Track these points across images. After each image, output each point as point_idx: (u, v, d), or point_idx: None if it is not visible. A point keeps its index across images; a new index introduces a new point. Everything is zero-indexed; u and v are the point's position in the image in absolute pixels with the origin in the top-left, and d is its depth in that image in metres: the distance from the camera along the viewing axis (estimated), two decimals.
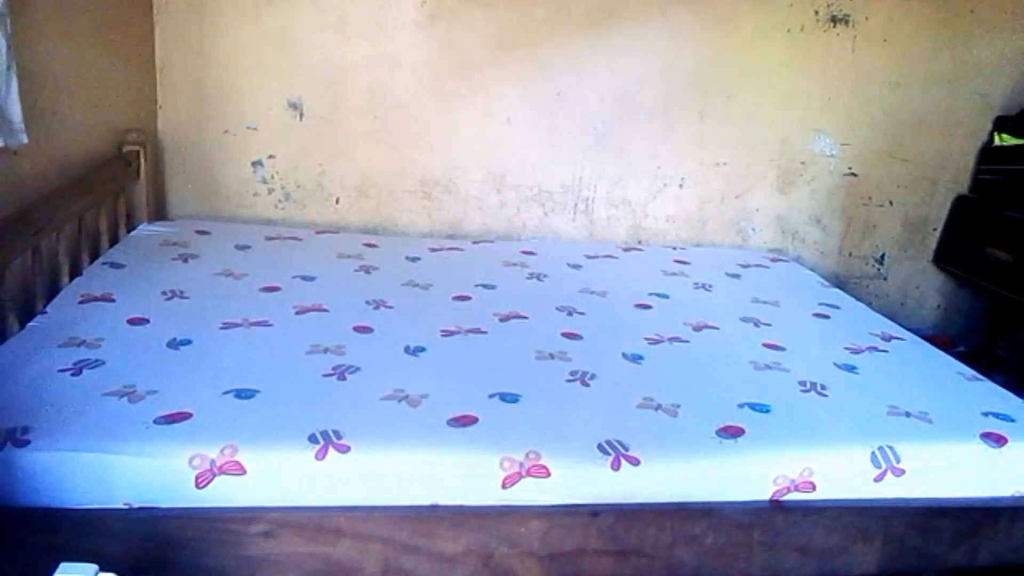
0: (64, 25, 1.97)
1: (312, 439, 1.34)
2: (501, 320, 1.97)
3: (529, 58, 2.72)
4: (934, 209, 3.02)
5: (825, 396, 1.69)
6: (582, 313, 2.07)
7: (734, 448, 1.47)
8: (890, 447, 1.51)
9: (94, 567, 0.84)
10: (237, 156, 2.69)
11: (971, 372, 1.91)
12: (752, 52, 2.80)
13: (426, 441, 1.39)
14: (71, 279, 1.91)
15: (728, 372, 1.78)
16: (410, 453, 1.37)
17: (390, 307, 1.99)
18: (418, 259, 2.42)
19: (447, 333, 1.85)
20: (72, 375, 1.47)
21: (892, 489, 1.50)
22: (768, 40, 2.79)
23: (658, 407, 1.57)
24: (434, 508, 1.36)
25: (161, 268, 2.07)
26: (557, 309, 2.08)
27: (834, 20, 2.79)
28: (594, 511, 1.38)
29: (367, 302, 2.00)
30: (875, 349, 2.02)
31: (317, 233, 2.58)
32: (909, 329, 2.26)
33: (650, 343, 1.90)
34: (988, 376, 1.94)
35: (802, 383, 1.74)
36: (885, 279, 3.10)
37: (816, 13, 2.77)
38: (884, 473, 1.49)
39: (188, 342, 1.66)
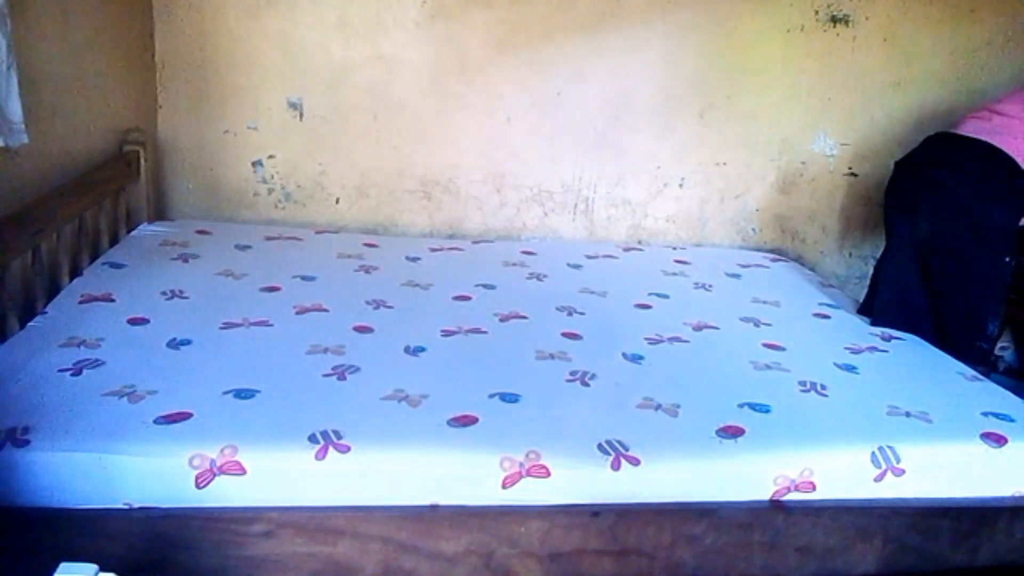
0: (64, 25, 1.97)
1: (312, 439, 1.34)
2: (501, 320, 1.97)
3: (529, 58, 2.72)
4: None
5: (825, 396, 1.69)
6: (582, 313, 2.07)
7: (734, 448, 1.47)
8: (890, 447, 1.51)
9: (94, 567, 0.84)
10: (237, 156, 2.69)
11: (971, 372, 1.91)
12: (752, 52, 2.80)
13: (426, 441, 1.39)
14: (71, 279, 1.91)
15: (728, 372, 1.78)
16: (410, 453, 1.37)
17: (390, 307, 1.99)
18: (418, 259, 2.42)
19: (447, 333, 1.85)
20: (72, 375, 1.47)
21: (892, 489, 1.50)
22: (768, 40, 2.79)
23: (658, 407, 1.57)
24: (434, 508, 1.36)
25: (161, 268, 2.07)
26: (557, 309, 2.08)
27: (834, 20, 2.79)
28: (594, 511, 1.38)
29: (367, 302, 2.00)
30: (875, 349, 2.02)
31: (317, 233, 2.58)
32: None
33: (650, 343, 1.90)
34: (988, 376, 1.94)
35: (802, 383, 1.74)
36: None
37: (816, 13, 2.77)
38: (884, 473, 1.49)
39: (188, 342, 1.66)
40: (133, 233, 2.32)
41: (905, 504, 1.51)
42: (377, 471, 1.35)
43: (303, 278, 2.12)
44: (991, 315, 2.20)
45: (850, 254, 3.06)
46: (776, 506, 1.46)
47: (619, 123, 2.82)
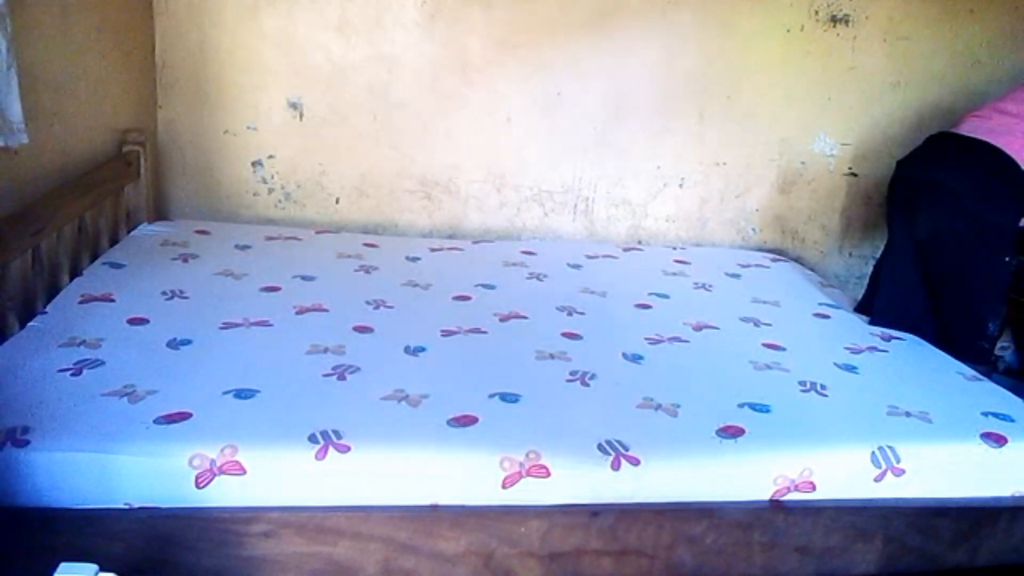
0: (64, 25, 1.97)
1: (312, 439, 1.34)
2: (501, 320, 1.97)
3: (529, 58, 2.72)
4: None
5: (825, 396, 1.69)
6: (582, 313, 2.07)
7: (734, 448, 1.47)
8: (890, 447, 1.51)
9: (94, 567, 0.84)
10: (237, 156, 2.69)
11: (971, 372, 1.91)
12: (752, 52, 2.80)
13: (426, 441, 1.39)
14: (71, 279, 1.91)
15: (728, 372, 1.78)
16: (410, 453, 1.37)
17: (390, 307, 1.99)
18: (418, 259, 2.42)
19: (447, 333, 1.85)
20: (72, 375, 1.47)
21: (892, 489, 1.50)
22: (768, 40, 2.79)
23: (658, 407, 1.57)
24: (434, 508, 1.36)
25: (161, 268, 2.07)
26: (557, 309, 2.08)
27: (834, 20, 2.79)
28: (594, 511, 1.38)
29: (367, 302, 2.00)
30: (875, 349, 2.02)
31: (317, 233, 2.57)
32: None
33: (650, 343, 1.90)
34: (989, 376, 1.94)
35: (802, 383, 1.74)
36: None
37: (816, 13, 2.77)
38: (884, 473, 1.49)
39: (188, 342, 1.66)
40: (133, 233, 2.32)
41: (905, 504, 1.51)
42: (377, 471, 1.35)
43: (303, 278, 2.12)
44: (991, 315, 2.20)
45: (850, 254, 3.06)
46: (776, 506, 1.46)
47: (619, 123, 2.82)
